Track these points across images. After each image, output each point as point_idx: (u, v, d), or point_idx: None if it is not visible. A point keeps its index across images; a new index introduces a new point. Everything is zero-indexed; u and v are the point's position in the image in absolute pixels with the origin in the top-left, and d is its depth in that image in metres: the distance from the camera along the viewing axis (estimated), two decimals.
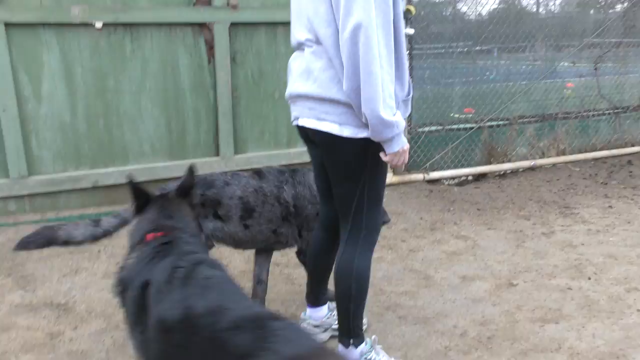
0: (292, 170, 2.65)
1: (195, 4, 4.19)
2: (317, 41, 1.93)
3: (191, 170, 1.91)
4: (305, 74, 1.99)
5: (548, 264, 3.42)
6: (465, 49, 5.45)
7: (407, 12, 4.74)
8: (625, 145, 6.16)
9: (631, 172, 5.55)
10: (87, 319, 2.76)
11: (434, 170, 5.18)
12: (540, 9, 5.67)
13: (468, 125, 5.40)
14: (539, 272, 3.32)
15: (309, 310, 2.56)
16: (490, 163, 5.46)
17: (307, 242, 2.60)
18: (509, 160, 5.52)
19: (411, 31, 4.77)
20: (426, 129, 5.17)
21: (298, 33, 2.03)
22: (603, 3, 6.07)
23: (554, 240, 3.84)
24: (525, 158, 5.59)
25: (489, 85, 5.56)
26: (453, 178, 5.31)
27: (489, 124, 5.47)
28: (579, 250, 3.63)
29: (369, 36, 1.74)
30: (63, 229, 2.31)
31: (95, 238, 2.35)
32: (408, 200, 4.68)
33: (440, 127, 5.26)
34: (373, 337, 2.35)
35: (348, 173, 2.03)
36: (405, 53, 1.96)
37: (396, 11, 1.87)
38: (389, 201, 4.34)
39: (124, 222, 2.37)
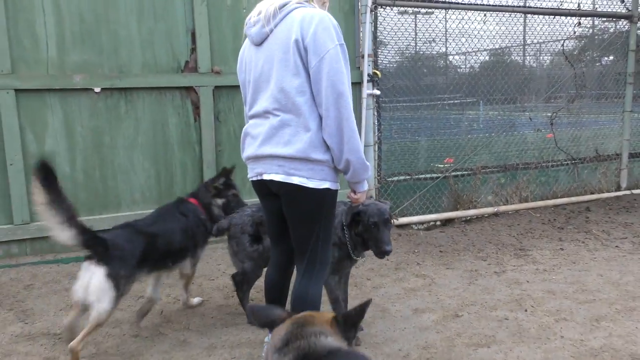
0: None
1: (183, 71, 4.77)
2: (286, 110, 2.36)
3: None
4: (275, 138, 2.39)
5: (493, 298, 3.83)
6: (431, 103, 6.01)
7: (374, 75, 5.33)
8: (585, 193, 6.64)
9: (588, 217, 6.00)
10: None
11: (403, 216, 5.64)
12: (499, 68, 6.26)
13: (434, 175, 5.89)
14: (483, 305, 3.72)
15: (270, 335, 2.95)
16: (456, 209, 5.93)
17: (333, 267, 3.11)
18: (474, 207, 5.98)
19: (377, 92, 5.36)
20: (395, 178, 5.67)
21: (264, 103, 2.44)
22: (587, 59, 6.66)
23: (503, 278, 4.25)
24: (490, 205, 6.06)
25: (453, 138, 6.10)
26: (422, 223, 5.76)
27: (454, 173, 5.97)
28: (523, 287, 4.04)
29: (349, 102, 2.27)
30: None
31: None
32: None
33: (408, 177, 5.76)
34: None
35: (308, 218, 2.46)
36: None
37: None
38: None
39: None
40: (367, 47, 5.23)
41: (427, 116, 5.97)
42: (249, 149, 2.57)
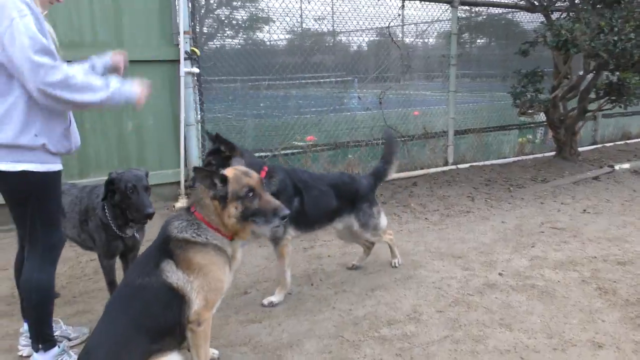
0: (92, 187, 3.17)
1: None
2: None
3: None
4: None
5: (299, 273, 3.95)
6: (256, 83, 6.01)
7: (192, 53, 5.22)
8: (414, 169, 7.04)
9: (412, 192, 6.35)
10: None
11: None
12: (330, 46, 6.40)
13: (264, 154, 5.94)
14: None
15: (26, 325, 2.82)
16: None
17: (104, 250, 3.07)
18: None
19: (196, 70, 5.26)
20: None
21: None
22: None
23: (309, 253, 4.40)
24: None
25: (281, 118, 6.17)
26: None
27: (283, 152, 6.05)
28: (322, 262, 4.20)
29: (46, 69, 2.17)
30: None
31: None
32: None
33: None
34: (64, 342, 2.67)
35: (15, 199, 2.41)
36: None
37: None
38: None
39: None
40: (182, 24, 5.10)
41: (253, 95, 5.98)
42: None
